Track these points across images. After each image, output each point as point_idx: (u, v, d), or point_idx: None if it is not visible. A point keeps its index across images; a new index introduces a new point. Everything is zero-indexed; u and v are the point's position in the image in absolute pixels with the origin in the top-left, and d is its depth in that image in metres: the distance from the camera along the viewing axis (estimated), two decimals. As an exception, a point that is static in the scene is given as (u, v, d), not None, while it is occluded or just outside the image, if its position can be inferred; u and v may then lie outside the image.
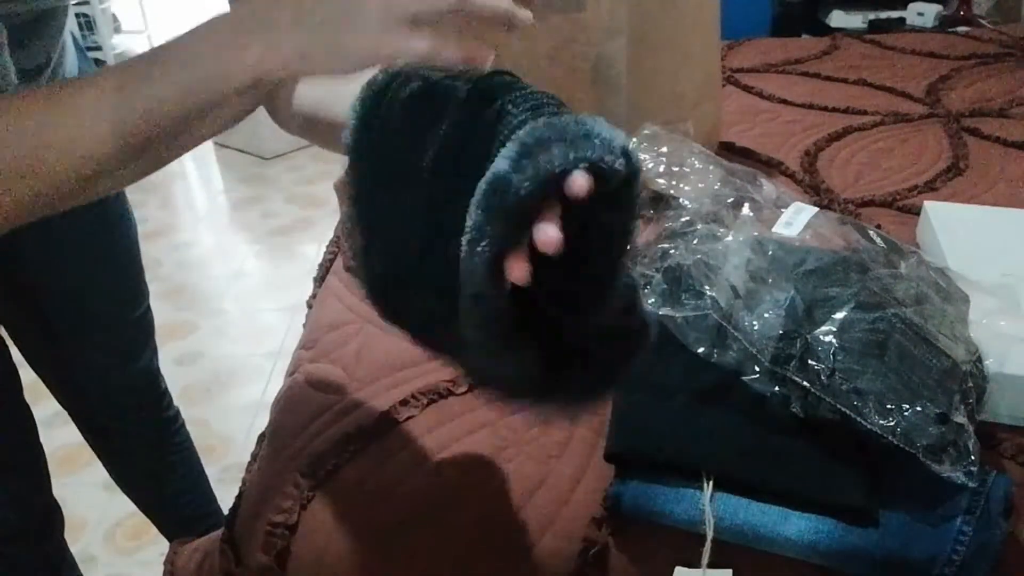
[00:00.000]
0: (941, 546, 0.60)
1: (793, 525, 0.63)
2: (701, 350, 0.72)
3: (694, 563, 0.63)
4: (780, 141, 1.33)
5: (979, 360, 0.70)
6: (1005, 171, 1.21)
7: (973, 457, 0.61)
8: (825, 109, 1.45)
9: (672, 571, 0.63)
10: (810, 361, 0.66)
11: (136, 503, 1.33)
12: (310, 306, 1.03)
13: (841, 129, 1.35)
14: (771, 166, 1.24)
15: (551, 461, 0.72)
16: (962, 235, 0.92)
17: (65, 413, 1.16)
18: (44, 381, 1.10)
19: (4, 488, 0.99)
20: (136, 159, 0.54)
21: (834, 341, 0.66)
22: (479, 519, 0.68)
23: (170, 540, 0.94)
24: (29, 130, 0.51)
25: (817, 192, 1.16)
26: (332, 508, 0.70)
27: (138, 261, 1.11)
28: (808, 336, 0.67)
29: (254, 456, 0.83)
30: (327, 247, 1.12)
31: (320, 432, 0.77)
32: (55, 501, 1.07)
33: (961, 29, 2.06)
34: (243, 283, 2.58)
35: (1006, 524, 0.62)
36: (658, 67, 1.04)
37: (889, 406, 0.63)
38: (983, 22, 2.48)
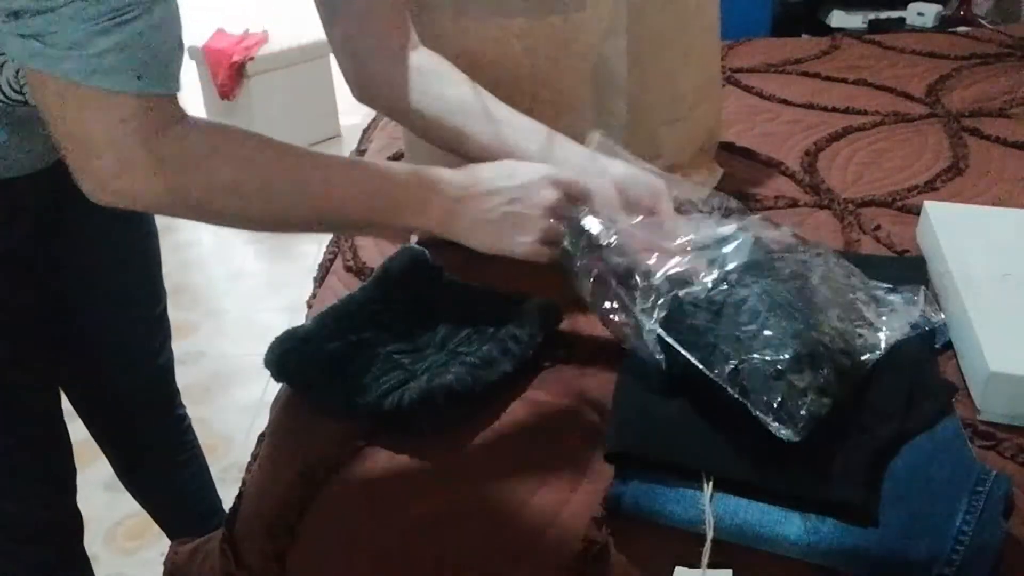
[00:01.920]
0: (941, 546, 0.60)
1: (793, 525, 0.63)
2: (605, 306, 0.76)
3: (694, 563, 0.63)
4: (780, 141, 1.33)
5: (855, 350, 0.72)
6: (1005, 171, 1.21)
7: (801, 424, 0.64)
8: (825, 109, 1.45)
9: (672, 571, 0.63)
10: (675, 317, 0.71)
11: (144, 504, 1.33)
12: (310, 306, 1.03)
13: (841, 129, 1.35)
14: (771, 166, 1.24)
15: (551, 461, 0.72)
16: (962, 235, 0.92)
17: (66, 412, 1.16)
18: (62, 384, 1.10)
19: (35, 489, 1.00)
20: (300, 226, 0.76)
21: (701, 300, 0.71)
22: (479, 519, 0.68)
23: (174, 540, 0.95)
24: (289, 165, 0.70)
25: (817, 192, 1.16)
26: (332, 508, 0.70)
27: (159, 260, 1.13)
28: (681, 294, 0.72)
29: (254, 456, 0.83)
30: (327, 247, 1.12)
31: (320, 432, 0.77)
32: (78, 508, 1.08)
33: (961, 29, 2.06)
34: (243, 283, 2.58)
35: (1006, 524, 0.62)
36: (658, 67, 1.04)
37: (732, 360, 0.67)
38: (983, 22, 2.48)
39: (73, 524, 1.08)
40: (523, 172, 0.75)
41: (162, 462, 1.26)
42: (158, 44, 0.60)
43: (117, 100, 0.60)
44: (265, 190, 0.68)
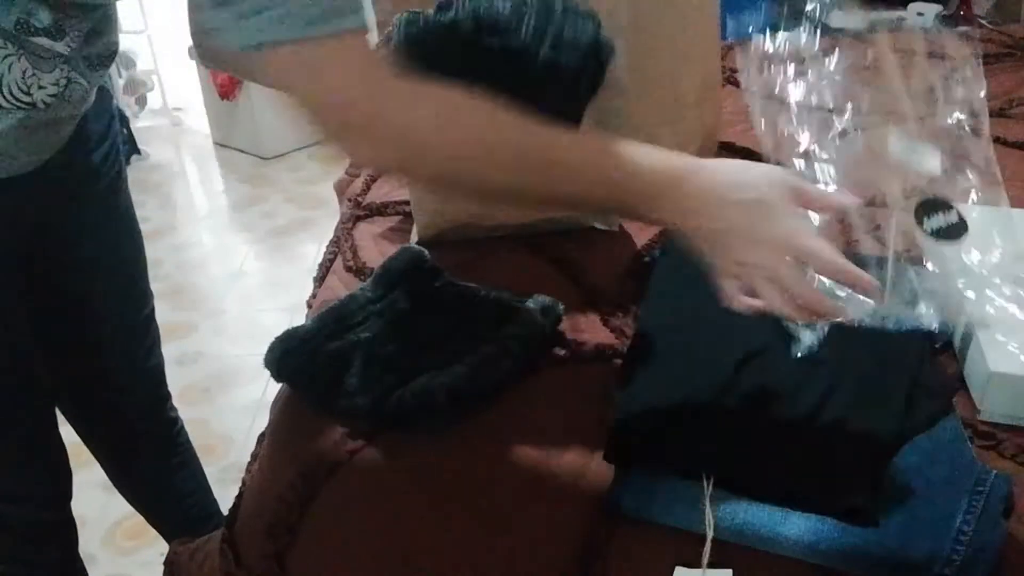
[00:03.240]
0: (941, 546, 0.60)
1: (793, 525, 0.63)
2: None
3: (694, 563, 0.63)
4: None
5: None
6: (1005, 171, 1.20)
7: None
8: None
9: (672, 571, 0.63)
10: None
11: (139, 507, 1.33)
12: (310, 306, 1.03)
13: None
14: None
15: (551, 462, 0.72)
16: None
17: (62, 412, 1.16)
18: (55, 390, 1.10)
19: (36, 490, 1.01)
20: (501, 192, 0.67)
21: None
22: (479, 519, 0.68)
23: (170, 542, 0.95)
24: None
25: (817, 192, 1.16)
26: (332, 508, 0.70)
27: (144, 263, 1.13)
28: None
29: (254, 456, 0.84)
30: (327, 247, 1.12)
31: (320, 432, 0.77)
32: (72, 514, 1.09)
33: (961, 29, 2.06)
34: (243, 283, 2.58)
35: (1006, 524, 0.62)
36: (658, 67, 1.04)
37: None
38: (983, 22, 2.48)
39: (68, 526, 1.09)
40: (757, 169, 0.67)
41: (154, 465, 1.25)
42: None
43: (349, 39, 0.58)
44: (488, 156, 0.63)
